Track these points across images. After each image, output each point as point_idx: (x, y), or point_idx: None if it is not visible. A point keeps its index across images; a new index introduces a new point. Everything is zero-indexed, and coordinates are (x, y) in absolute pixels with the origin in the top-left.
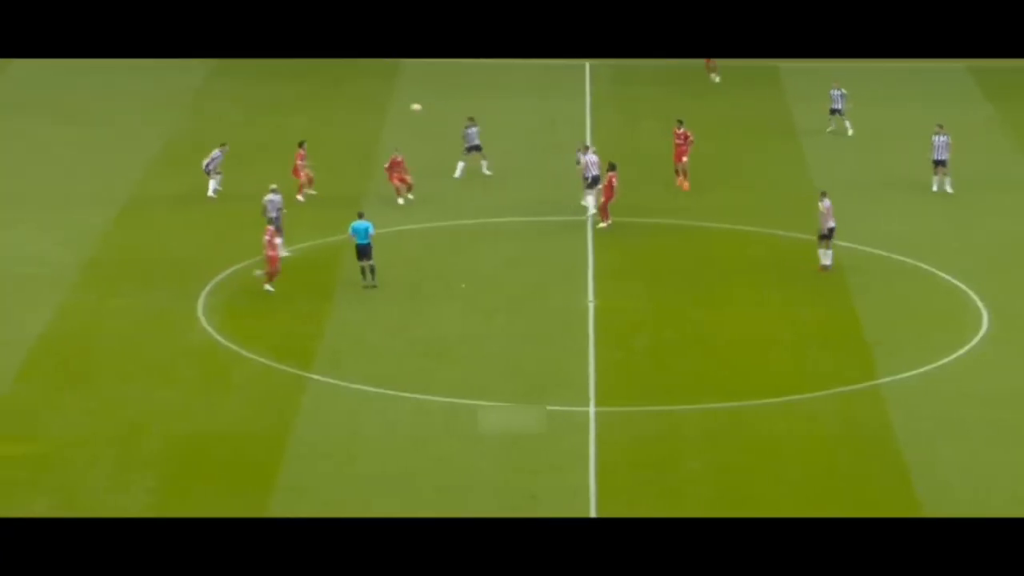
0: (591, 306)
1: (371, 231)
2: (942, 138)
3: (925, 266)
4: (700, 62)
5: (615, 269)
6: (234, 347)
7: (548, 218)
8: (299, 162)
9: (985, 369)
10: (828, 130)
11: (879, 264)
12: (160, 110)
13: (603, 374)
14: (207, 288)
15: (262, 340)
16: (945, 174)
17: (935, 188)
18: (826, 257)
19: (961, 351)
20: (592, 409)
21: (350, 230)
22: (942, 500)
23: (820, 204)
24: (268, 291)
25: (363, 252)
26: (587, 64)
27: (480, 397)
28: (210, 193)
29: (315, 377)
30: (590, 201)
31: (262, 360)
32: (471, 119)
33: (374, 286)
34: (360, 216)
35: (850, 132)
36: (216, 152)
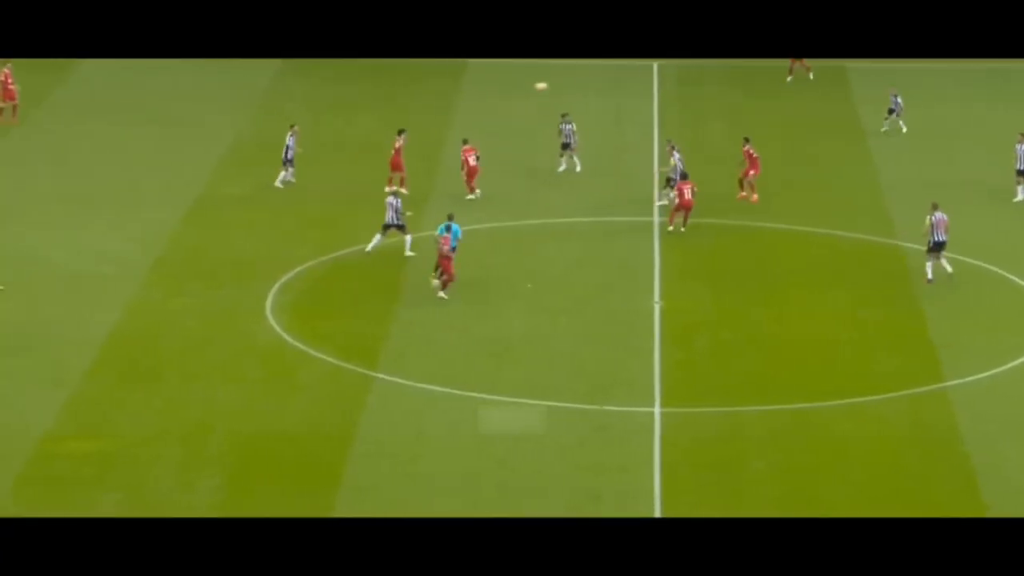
0: (657, 307)
1: (459, 235)
2: None
3: (993, 268)
4: (767, 62)
5: (680, 270)
6: (301, 346)
7: (614, 218)
8: (397, 147)
9: None
10: (902, 130)
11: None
12: (228, 110)
13: (668, 375)
14: (275, 287)
15: (328, 339)
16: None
17: (1018, 198)
18: (931, 270)
19: None
20: (657, 410)
21: (438, 231)
22: (1009, 503)
23: (931, 216)
24: (441, 298)
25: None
26: (655, 64)
27: (545, 397)
28: (277, 183)
29: (381, 376)
30: (669, 196)
31: (328, 359)
32: (564, 115)
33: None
34: (450, 218)
35: (884, 129)
36: (289, 139)
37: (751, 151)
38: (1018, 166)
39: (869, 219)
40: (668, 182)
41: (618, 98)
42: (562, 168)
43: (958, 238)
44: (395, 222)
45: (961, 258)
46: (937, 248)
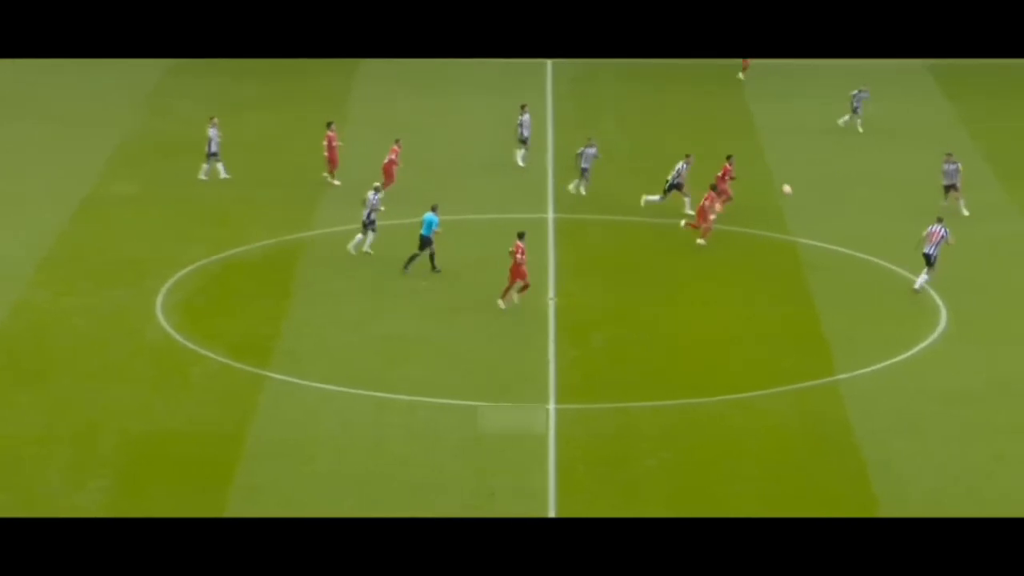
0: (551, 303)
1: (436, 224)
2: (951, 166)
3: (884, 263)
4: (658, 61)
5: (576, 266)
6: (192, 345)
7: (509, 216)
8: (332, 144)
9: (942, 366)
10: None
11: (839, 261)
12: (117, 108)
13: (563, 371)
14: (165, 287)
15: (220, 338)
16: (957, 198)
17: (964, 213)
18: (920, 280)
19: (919, 348)
20: (552, 406)
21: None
22: (899, 497)
23: (931, 227)
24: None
25: (422, 243)
26: (549, 63)
27: (440, 395)
28: (202, 175)
29: (273, 376)
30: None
31: (220, 359)
32: (523, 106)
33: (405, 269)
34: (433, 209)
35: (840, 123)
36: (211, 131)
37: (725, 175)
38: (944, 182)
39: (762, 215)
40: (670, 189)
41: (512, 96)
42: (522, 163)
43: (849, 233)
44: (364, 217)
45: (852, 252)
46: (925, 259)
